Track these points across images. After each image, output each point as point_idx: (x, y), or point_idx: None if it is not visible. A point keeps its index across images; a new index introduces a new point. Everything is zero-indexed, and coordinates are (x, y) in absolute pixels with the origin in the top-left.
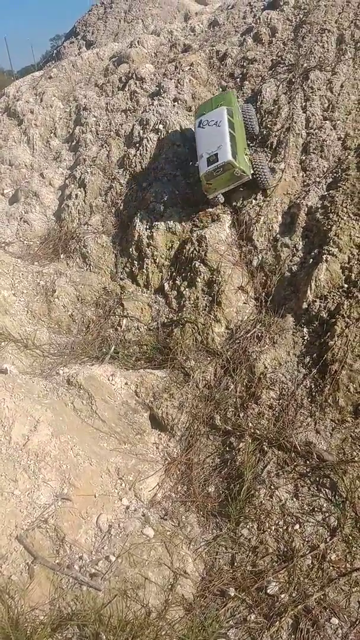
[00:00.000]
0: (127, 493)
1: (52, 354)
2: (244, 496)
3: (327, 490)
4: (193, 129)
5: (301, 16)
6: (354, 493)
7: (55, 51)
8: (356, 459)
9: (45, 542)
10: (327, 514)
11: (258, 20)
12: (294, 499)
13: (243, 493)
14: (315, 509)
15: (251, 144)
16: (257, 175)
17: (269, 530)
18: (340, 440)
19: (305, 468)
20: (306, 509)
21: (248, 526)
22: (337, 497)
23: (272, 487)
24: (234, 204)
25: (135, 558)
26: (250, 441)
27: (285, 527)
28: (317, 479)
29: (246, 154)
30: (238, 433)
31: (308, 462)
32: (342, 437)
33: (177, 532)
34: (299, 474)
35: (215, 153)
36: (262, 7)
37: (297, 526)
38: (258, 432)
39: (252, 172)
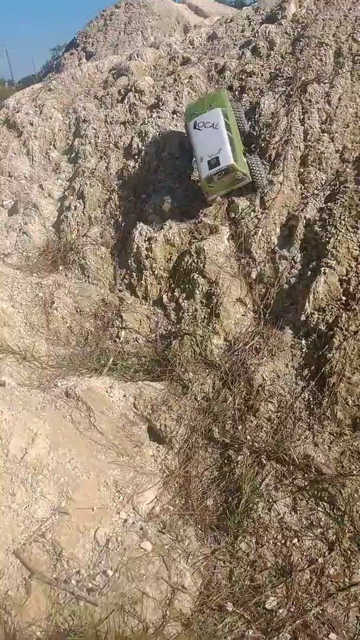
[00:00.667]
0: (125, 506)
1: (50, 366)
2: (242, 509)
3: (325, 503)
4: (185, 130)
5: (299, 30)
6: (352, 507)
7: (55, 62)
8: (354, 472)
9: (42, 557)
10: (325, 528)
11: (256, 34)
12: (292, 513)
13: (241, 506)
14: (314, 522)
15: (248, 150)
16: (252, 175)
17: (267, 544)
18: (338, 454)
19: (303, 481)
20: (304, 522)
21: (246, 540)
22: (335, 510)
23: (271, 500)
24: (233, 215)
25: (133, 572)
26: (248, 454)
27: (283, 541)
28: (316, 492)
29: (245, 158)
30: (236, 446)
31: (306, 475)
32: (340, 450)
33: (175, 546)
34: (297, 487)
35: (216, 156)
36: (261, 20)
37: (295, 540)
38: (256, 444)
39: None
